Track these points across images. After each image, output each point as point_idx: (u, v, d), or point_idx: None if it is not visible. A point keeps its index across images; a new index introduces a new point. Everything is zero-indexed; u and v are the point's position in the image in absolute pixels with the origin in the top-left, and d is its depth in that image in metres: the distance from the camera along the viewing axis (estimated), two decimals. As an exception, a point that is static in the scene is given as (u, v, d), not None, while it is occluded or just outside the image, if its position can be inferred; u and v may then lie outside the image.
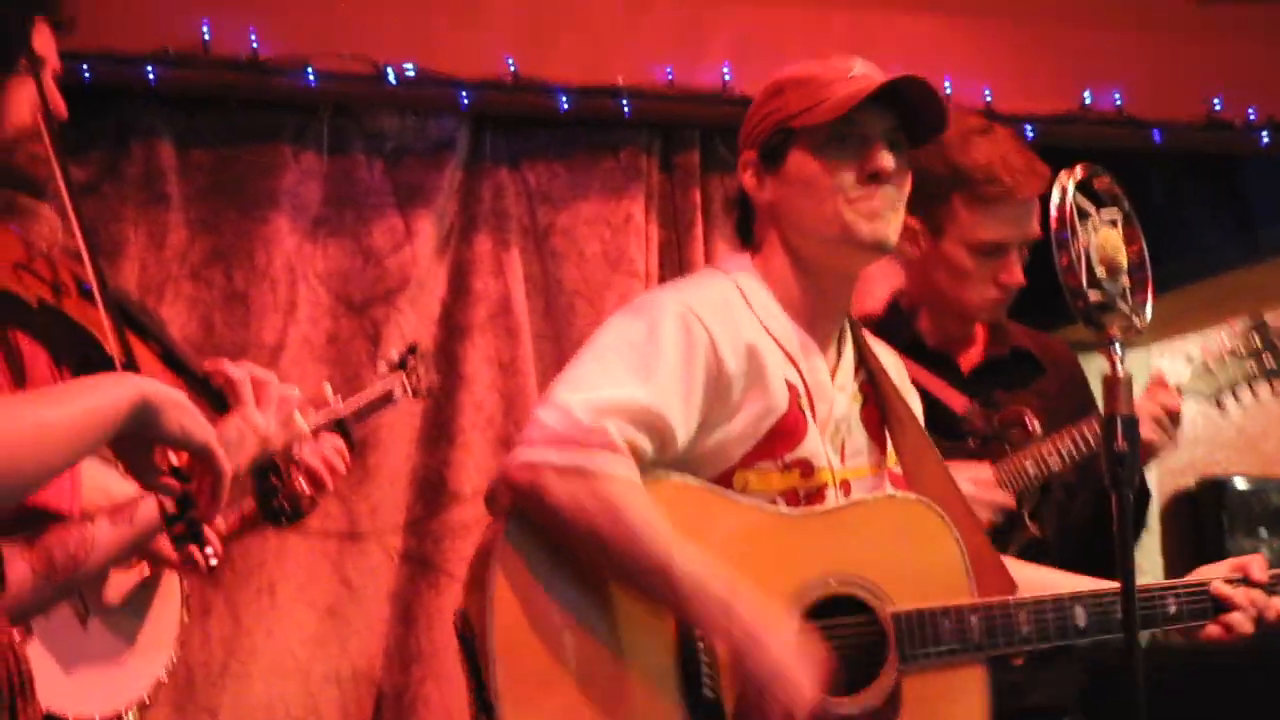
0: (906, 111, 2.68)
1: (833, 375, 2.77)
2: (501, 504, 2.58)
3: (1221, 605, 2.86)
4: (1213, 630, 2.86)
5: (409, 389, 3.66)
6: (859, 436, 2.79)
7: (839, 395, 2.76)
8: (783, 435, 2.67)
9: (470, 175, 4.92)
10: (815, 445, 2.69)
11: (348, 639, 4.64)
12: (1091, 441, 3.16)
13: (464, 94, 4.72)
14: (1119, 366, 2.24)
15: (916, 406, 2.88)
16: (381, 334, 4.72)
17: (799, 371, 2.71)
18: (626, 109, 4.83)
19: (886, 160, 2.66)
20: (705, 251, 4.95)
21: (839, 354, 2.80)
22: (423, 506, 4.78)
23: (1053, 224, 2.24)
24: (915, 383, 3.00)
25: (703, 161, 5.00)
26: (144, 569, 3.21)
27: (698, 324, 2.61)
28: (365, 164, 4.83)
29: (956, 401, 3.31)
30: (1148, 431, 3.04)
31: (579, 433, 2.49)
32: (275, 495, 3.06)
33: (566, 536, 2.50)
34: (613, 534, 2.46)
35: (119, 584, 3.15)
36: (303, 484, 3.19)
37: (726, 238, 4.68)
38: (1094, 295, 2.26)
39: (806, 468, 2.69)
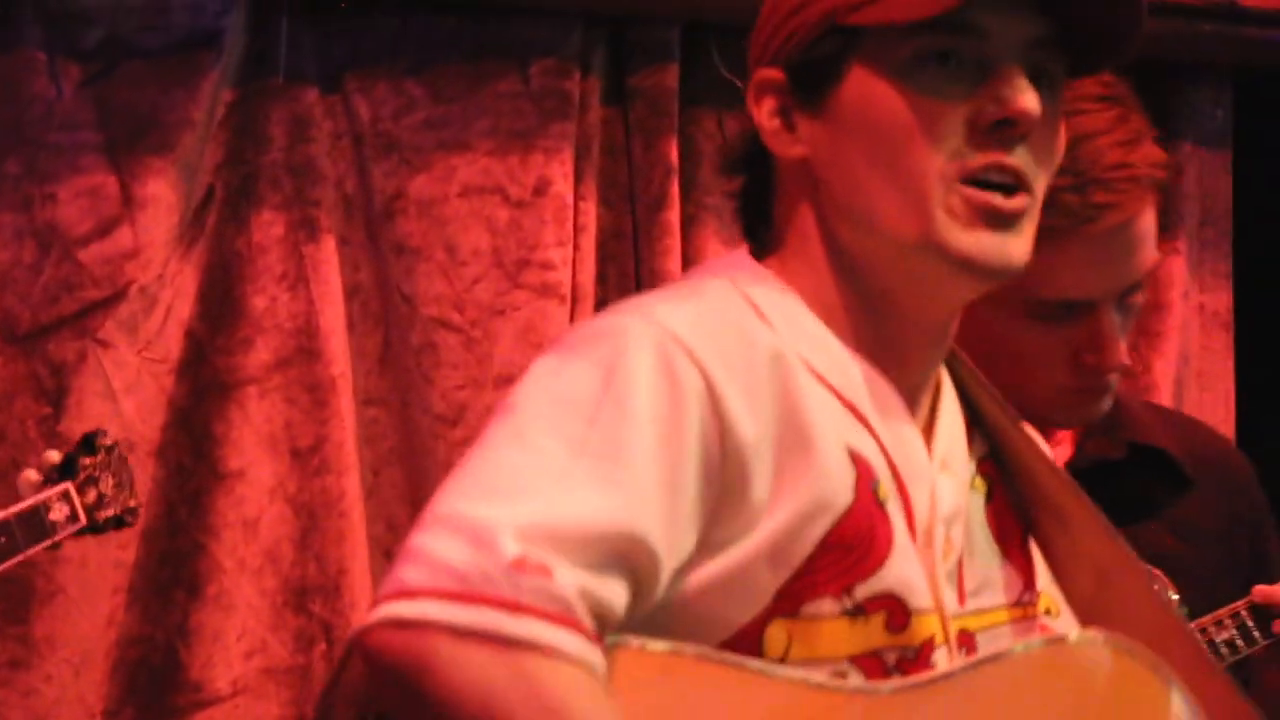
0: (1063, 13, 2.00)
1: (929, 444, 2.05)
2: None
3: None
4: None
5: (81, 512, 3.06)
6: (985, 553, 2.08)
7: (943, 479, 2.06)
8: (848, 549, 1.93)
9: (248, 98, 3.83)
10: (907, 568, 1.98)
11: None
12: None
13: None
14: None
15: None
16: (67, 392, 3.65)
17: (872, 435, 1.99)
18: (547, -16, 3.98)
19: (1026, 99, 1.93)
20: (687, 251, 4.00)
21: (933, 410, 2.09)
22: (134, 712, 3.72)
23: None
24: None
25: (685, 85, 3.97)
26: None
27: (688, 363, 1.89)
28: (46, 68, 3.73)
29: None
30: None
31: (499, 575, 1.72)
32: None
33: None
34: None
35: None
36: None
37: (728, 230, 3.97)
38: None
39: (895, 610, 1.97)
